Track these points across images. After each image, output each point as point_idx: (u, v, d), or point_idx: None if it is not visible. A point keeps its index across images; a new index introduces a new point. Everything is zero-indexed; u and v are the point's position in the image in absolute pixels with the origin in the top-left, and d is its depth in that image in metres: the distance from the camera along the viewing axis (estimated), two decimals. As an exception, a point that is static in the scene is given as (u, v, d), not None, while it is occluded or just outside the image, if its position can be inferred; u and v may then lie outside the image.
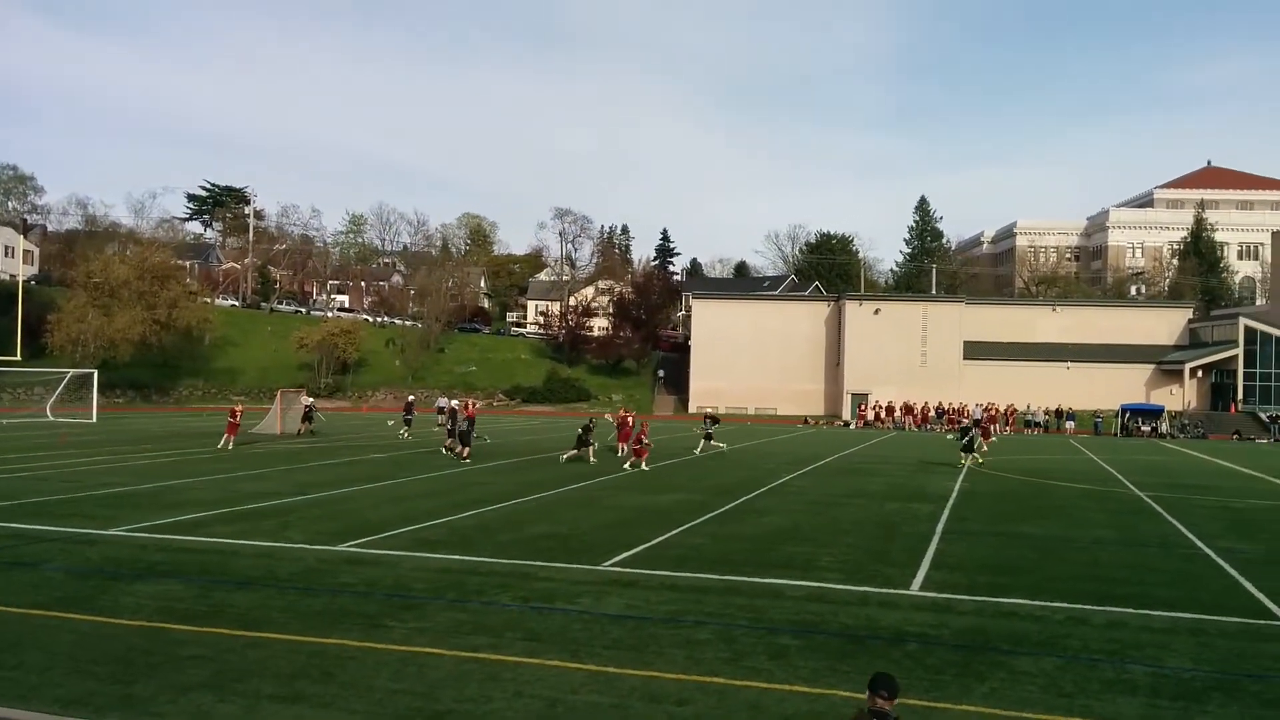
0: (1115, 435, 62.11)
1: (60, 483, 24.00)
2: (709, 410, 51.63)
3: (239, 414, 37.24)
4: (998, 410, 65.05)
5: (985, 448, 38.63)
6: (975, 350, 72.91)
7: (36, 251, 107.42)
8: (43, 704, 8.25)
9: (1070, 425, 63.93)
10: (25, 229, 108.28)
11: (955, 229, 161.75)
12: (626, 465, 30.15)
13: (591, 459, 31.38)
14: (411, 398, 51.98)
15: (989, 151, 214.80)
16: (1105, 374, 70.90)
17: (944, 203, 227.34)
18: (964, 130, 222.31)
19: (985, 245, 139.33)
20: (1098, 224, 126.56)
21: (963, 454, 34.39)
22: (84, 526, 17.32)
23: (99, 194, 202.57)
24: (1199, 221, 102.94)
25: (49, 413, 54.55)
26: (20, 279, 64.22)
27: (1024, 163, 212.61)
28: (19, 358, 54.30)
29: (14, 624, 10.76)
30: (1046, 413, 66.26)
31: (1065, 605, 12.48)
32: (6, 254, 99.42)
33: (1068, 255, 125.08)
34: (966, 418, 57.34)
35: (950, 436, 46.02)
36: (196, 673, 9.17)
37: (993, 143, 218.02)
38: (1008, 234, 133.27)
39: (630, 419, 34.75)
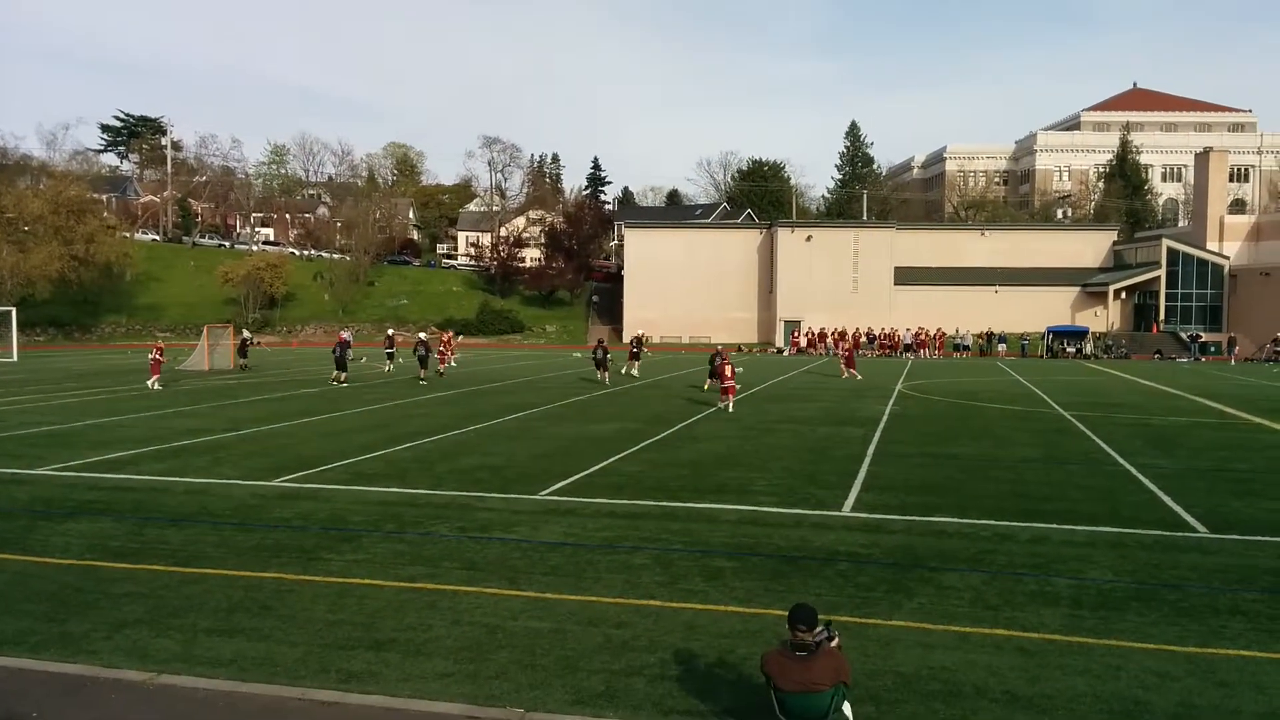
0: (1041, 357, 63.82)
1: (-21, 424, 23.32)
2: (640, 334, 51.21)
3: (161, 351, 36.06)
4: (927, 334, 66.30)
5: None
6: (906, 275, 73.95)
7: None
8: (-28, 646, 8.14)
9: (1002, 348, 65.46)
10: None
11: (886, 155, 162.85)
12: (722, 405, 27.00)
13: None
14: (347, 334, 51.92)
15: (919, 77, 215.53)
16: (1032, 297, 72.49)
17: (875, 128, 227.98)
18: (894, 55, 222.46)
19: (916, 171, 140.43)
20: (1025, 148, 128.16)
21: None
22: (10, 466, 16.92)
23: (7, 125, 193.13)
24: (1124, 144, 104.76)
25: (-36, 353, 52.73)
26: (-75, 214, 61.51)
27: (954, 88, 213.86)
28: (-71, 296, 52.18)
29: (-62, 568, 10.53)
30: (977, 336, 67.67)
31: (991, 522, 12.92)
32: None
33: (996, 179, 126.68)
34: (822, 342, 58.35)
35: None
36: (132, 609, 9.10)
37: (922, 68, 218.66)
38: (938, 159, 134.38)
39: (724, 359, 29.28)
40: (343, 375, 35.48)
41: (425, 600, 9.43)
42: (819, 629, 6.42)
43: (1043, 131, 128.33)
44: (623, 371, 40.46)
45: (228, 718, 6.93)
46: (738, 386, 28.63)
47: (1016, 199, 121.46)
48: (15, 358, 51.41)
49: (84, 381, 36.66)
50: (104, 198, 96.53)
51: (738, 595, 9.64)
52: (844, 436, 21.72)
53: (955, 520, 13.04)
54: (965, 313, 69.86)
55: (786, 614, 6.55)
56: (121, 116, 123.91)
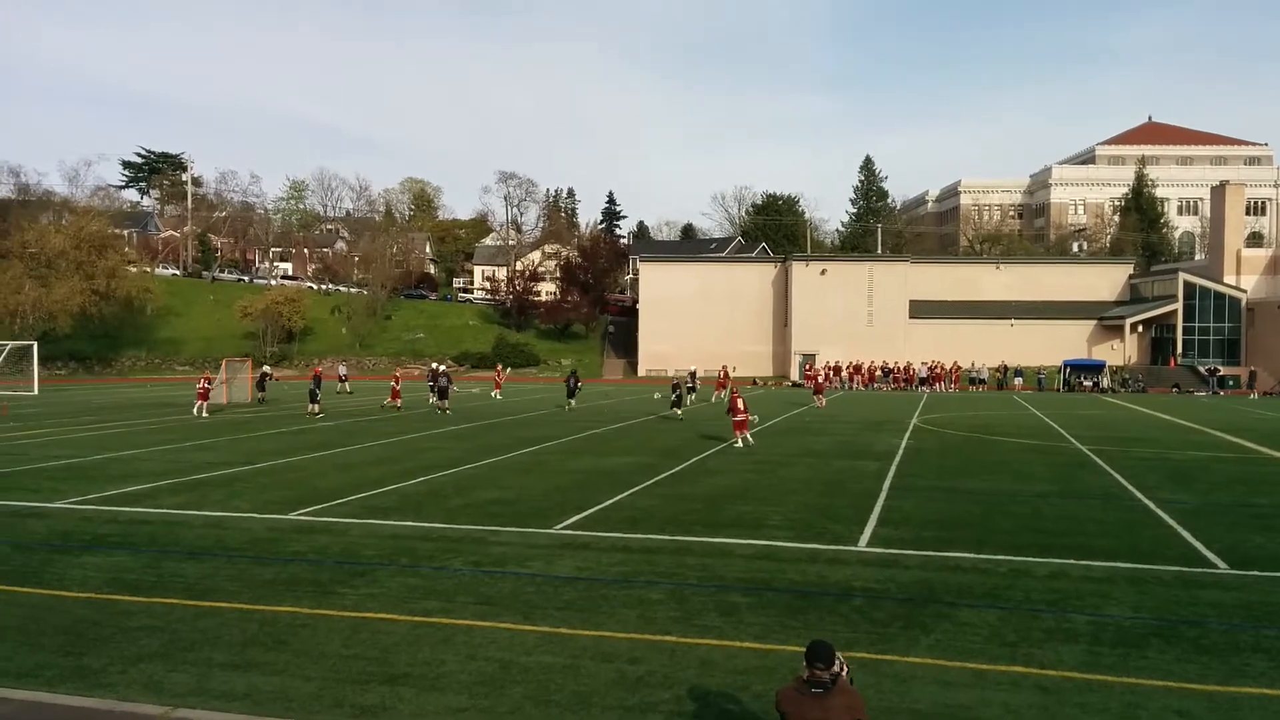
0: (1058, 391, 63.45)
1: (3, 455, 23.51)
2: (691, 369, 52.70)
3: (210, 380, 38.47)
4: (943, 368, 66.09)
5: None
6: (921, 309, 73.83)
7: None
8: (-10, 679, 8.18)
9: (1018, 381, 65.13)
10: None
11: (900, 189, 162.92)
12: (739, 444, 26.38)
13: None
14: (343, 369, 53.86)
15: (933, 111, 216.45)
16: (1048, 330, 72.19)
17: (889, 163, 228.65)
18: (908, 90, 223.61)
19: (930, 204, 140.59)
20: (1040, 181, 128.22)
21: (674, 408, 36.45)
22: (29, 500, 17.03)
23: (31, 162, 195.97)
24: (1139, 178, 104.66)
25: (-14, 386, 53.21)
26: (-50, 249, 62.35)
27: (968, 122, 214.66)
28: (-48, 330, 52.81)
29: (-43, 601, 10.59)
30: (993, 370, 67.25)
31: (1008, 557, 12.82)
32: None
33: (1011, 213, 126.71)
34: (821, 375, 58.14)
35: (658, 396, 47.47)
36: (147, 643, 9.13)
37: (936, 102, 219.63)
38: (952, 193, 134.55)
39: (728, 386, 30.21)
40: (445, 404, 38.31)
41: (439, 635, 9.42)
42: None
43: (1058, 165, 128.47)
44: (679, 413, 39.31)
45: (242, 752, 6.93)
46: (752, 418, 28.39)
47: (1031, 232, 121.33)
48: (36, 390, 51.84)
49: (103, 415, 36.92)
50: (125, 233, 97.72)
51: (753, 631, 9.59)
52: (859, 470, 21.63)
53: (972, 555, 12.96)
54: (980, 346, 69.60)
55: (802, 650, 6.52)
56: (142, 153, 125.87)
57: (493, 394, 48.65)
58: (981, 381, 66.01)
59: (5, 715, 7.44)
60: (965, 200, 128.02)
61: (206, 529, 14.59)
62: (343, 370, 56.65)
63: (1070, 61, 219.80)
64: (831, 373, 69.18)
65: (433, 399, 40.08)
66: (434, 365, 45.87)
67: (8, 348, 56.16)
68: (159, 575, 11.72)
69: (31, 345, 56.06)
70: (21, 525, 14.84)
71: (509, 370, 66.07)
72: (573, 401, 41.12)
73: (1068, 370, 66.05)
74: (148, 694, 7.87)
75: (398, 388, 41.27)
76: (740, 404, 27.13)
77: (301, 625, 9.70)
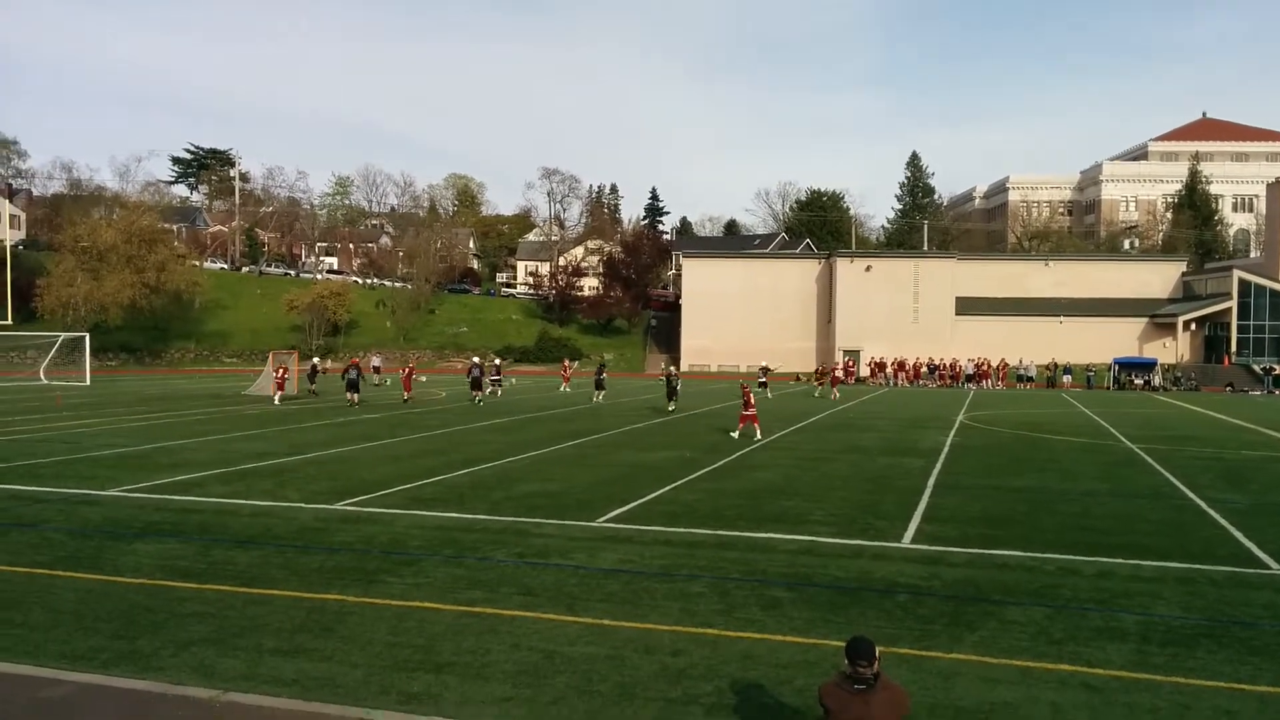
0: (1108, 389, 62.42)
1: (58, 444, 24.07)
2: (764, 364, 53.42)
3: (285, 370, 40.76)
4: (990, 365, 65.32)
5: (825, 392, 47.04)
6: (968, 306, 73.05)
7: (23, 216, 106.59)
8: (49, 659, 8.40)
9: (1067, 379, 64.16)
10: (10, 194, 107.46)
11: (947, 185, 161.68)
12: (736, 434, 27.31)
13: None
14: (377, 360, 54.94)
15: (981, 107, 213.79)
16: (1098, 328, 71.08)
17: (936, 159, 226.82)
18: (955, 85, 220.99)
19: (978, 201, 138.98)
20: (1091, 178, 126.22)
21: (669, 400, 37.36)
22: (83, 487, 17.41)
23: (83, 158, 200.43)
24: (1193, 174, 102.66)
25: (43, 376, 54.51)
26: (8, 244, 63.89)
27: (1017, 117, 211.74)
28: (9, 322, 54.16)
29: (18, 583, 10.89)
30: (1047, 368, 66.13)
31: (1056, 556, 12.66)
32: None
33: (1061, 210, 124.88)
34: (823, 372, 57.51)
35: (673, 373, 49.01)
36: (199, 628, 9.30)
37: (985, 97, 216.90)
38: (1000, 189, 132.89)
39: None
40: (478, 395, 40.56)
41: (484, 624, 9.50)
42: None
43: (1109, 161, 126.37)
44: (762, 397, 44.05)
45: (290, 736, 7.04)
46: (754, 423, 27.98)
47: (1081, 229, 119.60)
48: (88, 381, 52.97)
49: (153, 405, 37.63)
50: (174, 227, 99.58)
51: (796, 625, 9.56)
52: (904, 467, 21.46)
53: (1018, 553, 12.81)
54: (1029, 344, 68.66)
55: (844, 645, 6.49)
56: (191, 149, 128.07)
57: (561, 388, 50.36)
58: (1029, 379, 65.09)
59: (62, 696, 7.62)
60: (1014, 197, 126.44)
61: (255, 518, 14.83)
62: (376, 362, 57.48)
63: (1122, 56, 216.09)
64: (876, 368, 68.78)
65: (494, 387, 44.26)
66: (474, 359, 46.87)
67: (61, 339, 57.49)
68: (209, 562, 11.94)
69: (84, 337, 57.32)
70: (77, 512, 15.18)
71: (576, 364, 66.87)
72: (600, 395, 41.84)
73: (1118, 368, 64.96)
74: (199, 678, 8.02)
75: (405, 378, 42.18)
76: (752, 399, 28.17)
77: (349, 613, 9.83)
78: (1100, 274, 76.35)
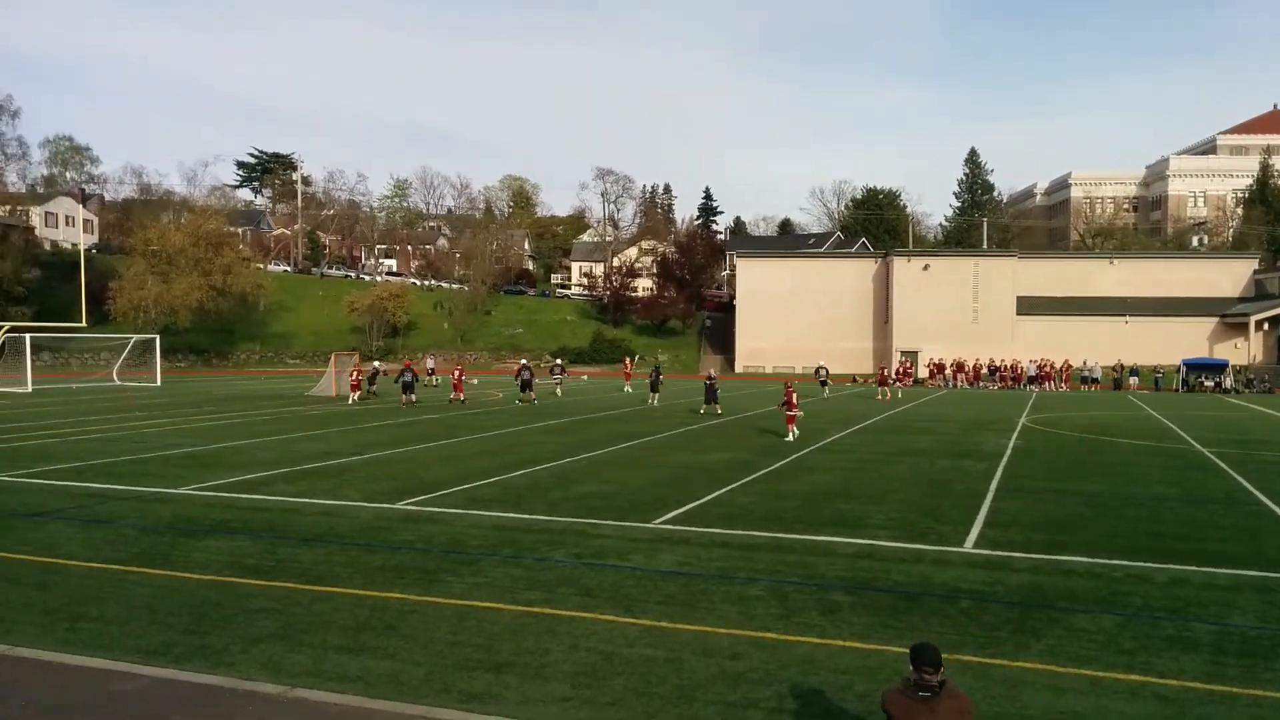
0: (1176, 391, 60.84)
1: (130, 444, 24.74)
2: (821, 363, 53.82)
3: (360, 372, 42.38)
4: (1053, 366, 64.07)
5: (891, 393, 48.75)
6: (1029, 305, 71.73)
7: (96, 221, 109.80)
8: (123, 653, 8.64)
9: (1133, 381, 62.67)
10: (84, 199, 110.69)
11: (1007, 181, 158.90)
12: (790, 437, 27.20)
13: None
14: (431, 362, 56.06)
15: (1042, 102, 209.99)
16: (1165, 328, 69.31)
17: (995, 155, 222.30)
18: (1016, 80, 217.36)
19: (1039, 197, 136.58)
20: (1157, 173, 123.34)
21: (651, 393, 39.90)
22: (155, 485, 17.87)
23: (153, 163, 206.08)
24: (1265, 168, 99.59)
25: (115, 377, 56.05)
26: (82, 247, 65.79)
27: (1079, 112, 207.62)
28: (84, 324, 55.79)
29: (94, 578, 11.21)
30: (1113, 369, 64.62)
31: (1125, 562, 12.39)
32: (67, 223, 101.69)
33: (1125, 206, 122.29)
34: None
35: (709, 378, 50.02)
36: (266, 624, 9.50)
37: (1046, 92, 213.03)
38: (1062, 185, 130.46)
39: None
40: (531, 395, 41.06)
41: (543, 625, 9.56)
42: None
43: (1175, 156, 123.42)
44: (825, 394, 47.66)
45: (356, 733, 7.15)
46: (799, 414, 28.45)
47: (1147, 226, 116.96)
48: (159, 382, 54.35)
49: (220, 405, 38.48)
50: (239, 231, 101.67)
51: (856, 631, 9.48)
52: (965, 470, 21.15)
53: (1085, 559, 12.55)
54: (1093, 344, 67.20)
55: (907, 651, 6.42)
56: (255, 153, 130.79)
57: (624, 387, 51.27)
58: (1094, 381, 63.67)
59: (135, 690, 7.83)
60: (1076, 193, 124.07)
61: (319, 516, 15.09)
62: (430, 363, 58.26)
63: (1188, 47, 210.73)
64: (934, 369, 67.88)
65: (555, 386, 46.11)
66: (522, 361, 47.74)
67: (133, 341, 59.04)
68: (276, 560, 12.17)
69: (154, 339, 58.84)
70: (149, 510, 15.58)
71: (637, 357, 67.42)
72: (656, 397, 41.85)
73: (1186, 370, 63.26)
74: (267, 673, 8.18)
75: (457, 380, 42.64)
76: (794, 399, 27.89)
77: (411, 611, 9.96)
78: (1168, 272, 74.43)
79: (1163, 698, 7.79)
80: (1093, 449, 25.87)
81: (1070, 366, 64.88)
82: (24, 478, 18.83)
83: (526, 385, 41.28)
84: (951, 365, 66.98)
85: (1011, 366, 65.55)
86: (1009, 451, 24.85)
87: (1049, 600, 10.64)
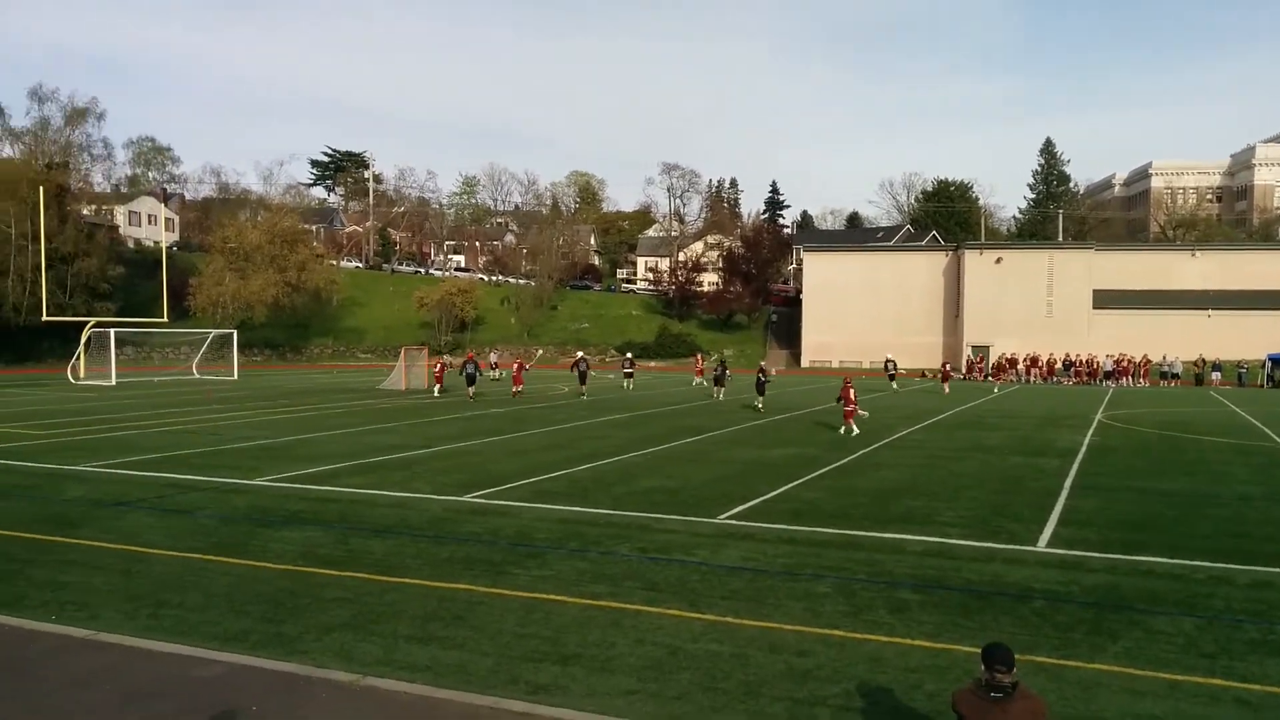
0: (1262, 387, 58.83)
1: (209, 436, 25.44)
2: (889, 356, 53.72)
3: (444, 366, 44.09)
4: (1130, 361, 62.41)
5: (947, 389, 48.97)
6: (1106, 299, 69.88)
7: (176, 219, 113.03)
8: (202, 640, 8.89)
9: (1216, 376, 60.71)
10: (165, 198, 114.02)
11: (1084, 172, 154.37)
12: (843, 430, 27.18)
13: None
14: (494, 356, 57.27)
15: (1120, 89, 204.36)
16: (1250, 321, 66.94)
17: (1071, 145, 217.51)
18: (1093, 68, 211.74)
19: (1117, 188, 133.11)
20: (1242, 162, 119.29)
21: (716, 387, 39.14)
22: (232, 476, 18.36)
23: (231, 163, 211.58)
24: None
25: (194, 370, 57.67)
26: (164, 245, 67.82)
27: (1160, 100, 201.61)
28: (166, 319, 57.53)
29: (175, 566, 11.56)
30: (1194, 364, 62.65)
31: (1206, 564, 12.03)
32: (150, 221, 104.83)
33: (1209, 196, 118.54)
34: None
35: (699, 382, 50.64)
36: (339, 613, 9.70)
37: (1124, 79, 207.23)
38: (1142, 175, 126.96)
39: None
40: (582, 388, 42.17)
41: (608, 618, 9.61)
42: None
43: (1262, 144, 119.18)
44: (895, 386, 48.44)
45: (425, 722, 7.26)
46: (859, 411, 28.22)
47: (1232, 217, 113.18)
48: (235, 376, 55.78)
49: (294, 399, 39.35)
50: (313, 228, 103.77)
51: (925, 629, 9.35)
52: (1038, 467, 20.72)
53: (1164, 560, 12.22)
54: (1173, 338, 65.20)
55: (978, 651, 6.31)
56: (329, 152, 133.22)
57: (694, 381, 51.73)
58: (1174, 376, 61.82)
59: (214, 676, 8.05)
60: (1157, 183, 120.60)
61: (390, 508, 15.35)
62: (494, 357, 59.34)
63: (1274, 31, 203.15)
64: (1007, 364, 66.60)
65: (626, 381, 47.67)
66: (579, 354, 48.90)
67: (211, 336, 60.67)
68: (349, 550, 12.42)
69: (231, 334, 60.38)
70: (227, 500, 16.01)
71: (704, 355, 67.66)
72: (721, 391, 41.86)
73: (1272, 364, 61.09)
74: (339, 661, 8.36)
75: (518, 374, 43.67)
76: (851, 394, 27.47)
77: (478, 603, 10.09)
78: (1253, 264, 71.83)
79: (1245, 702, 7.55)
80: (1173, 446, 25.15)
81: (1149, 361, 63.12)
82: (109, 468, 19.48)
83: (583, 378, 42.26)
84: (1024, 360, 65.62)
85: (1087, 361, 63.99)
86: (1084, 448, 24.28)
87: (1126, 601, 10.38)
